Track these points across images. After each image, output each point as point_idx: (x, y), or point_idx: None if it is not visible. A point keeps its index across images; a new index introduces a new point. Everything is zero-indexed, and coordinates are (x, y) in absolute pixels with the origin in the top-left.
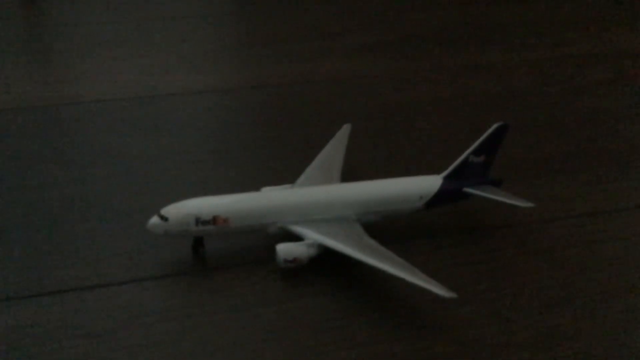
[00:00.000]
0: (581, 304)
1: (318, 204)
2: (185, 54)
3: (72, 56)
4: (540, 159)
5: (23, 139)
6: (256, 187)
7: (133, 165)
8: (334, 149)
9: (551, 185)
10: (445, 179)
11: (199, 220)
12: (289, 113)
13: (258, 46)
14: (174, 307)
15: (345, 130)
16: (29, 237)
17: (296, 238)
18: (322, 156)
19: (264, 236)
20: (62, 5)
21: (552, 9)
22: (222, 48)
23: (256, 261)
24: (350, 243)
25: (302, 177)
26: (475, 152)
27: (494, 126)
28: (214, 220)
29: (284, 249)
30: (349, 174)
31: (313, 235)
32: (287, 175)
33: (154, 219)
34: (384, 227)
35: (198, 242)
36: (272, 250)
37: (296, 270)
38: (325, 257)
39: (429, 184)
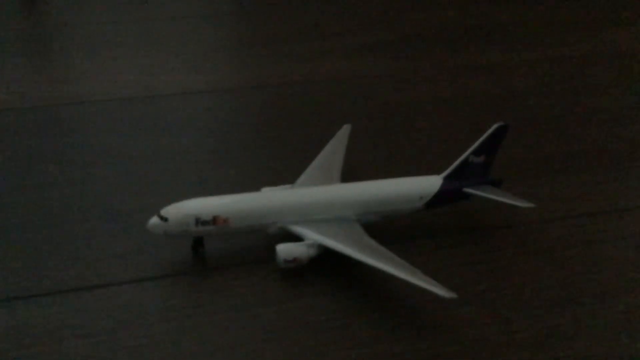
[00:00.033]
0: (581, 304)
1: (318, 204)
2: (185, 54)
3: (72, 56)
4: (540, 159)
5: (23, 139)
6: (256, 187)
7: (133, 165)
8: (334, 149)
9: (551, 185)
10: (446, 179)
11: (198, 221)
12: (289, 113)
13: (258, 46)
14: (174, 307)
15: (345, 130)
16: (29, 237)
17: (296, 238)
18: (322, 156)
19: (264, 236)
20: (62, 5)
21: (552, 9)
22: (222, 48)
23: (256, 261)
24: (350, 243)
25: (302, 177)
26: (476, 152)
27: (494, 126)
28: (214, 220)
29: (284, 249)
30: (349, 174)
31: (313, 236)
32: (287, 175)
33: (154, 219)
34: (384, 227)
35: (198, 242)
36: (272, 250)
37: (296, 270)
38: (325, 257)
39: (429, 184)
